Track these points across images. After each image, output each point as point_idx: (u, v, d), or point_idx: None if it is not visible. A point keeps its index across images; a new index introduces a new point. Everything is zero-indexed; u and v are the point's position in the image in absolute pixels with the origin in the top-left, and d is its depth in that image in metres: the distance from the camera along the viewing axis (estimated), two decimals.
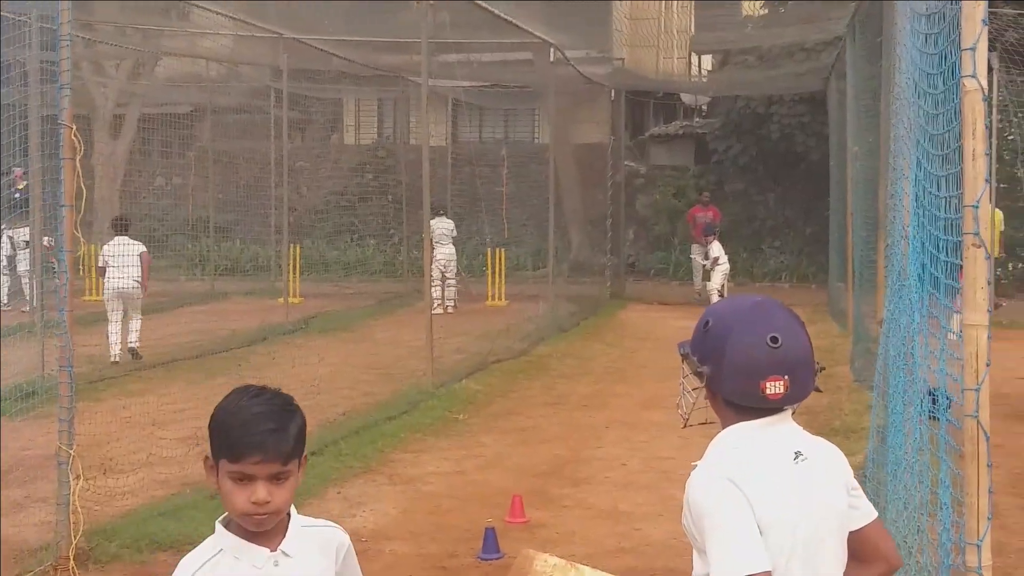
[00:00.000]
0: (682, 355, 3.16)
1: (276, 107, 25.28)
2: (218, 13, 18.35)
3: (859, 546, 3.05)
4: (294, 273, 21.81)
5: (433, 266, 18.88)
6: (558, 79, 21.08)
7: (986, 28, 3.36)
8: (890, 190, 9.92)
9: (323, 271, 28.10)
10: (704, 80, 33.11)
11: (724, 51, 30.81)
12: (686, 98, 33.93)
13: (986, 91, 3.34)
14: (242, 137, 29.45)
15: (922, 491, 6.43)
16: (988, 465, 3.46)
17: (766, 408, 2.95)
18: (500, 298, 22.49)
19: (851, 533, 3.03)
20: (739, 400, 2.95)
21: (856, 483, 3.06)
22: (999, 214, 22.09)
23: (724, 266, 22.46)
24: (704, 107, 34.06)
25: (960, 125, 3.46)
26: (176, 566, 2.91)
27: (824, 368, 3.10)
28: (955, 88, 3.61)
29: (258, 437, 2.79)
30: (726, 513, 2.83)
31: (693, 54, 35.48)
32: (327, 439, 10.63)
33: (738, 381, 2.93)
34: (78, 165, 7.50)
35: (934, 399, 6.99)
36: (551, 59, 20.10)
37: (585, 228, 27.74)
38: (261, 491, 2.81)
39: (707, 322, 3.06)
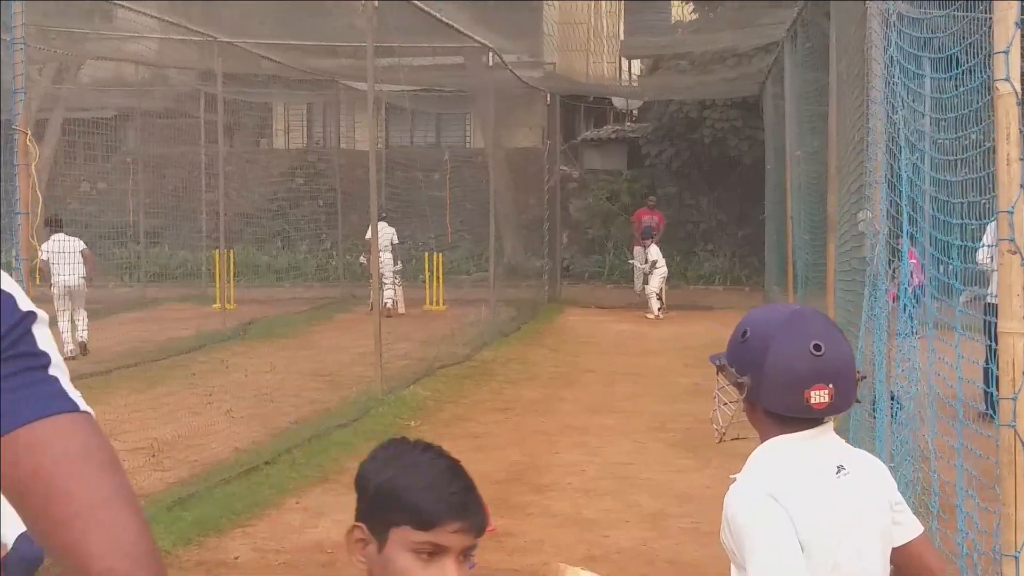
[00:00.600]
0: (718, 367, 3.05)
1: (207, 112, 24.99)
2: (147, 15, 18.05)
3: (906, 561, 2.99)
4: (229, 278, 21.50)
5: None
6: (495, 83, 20.99)
7: (1019, 31, 3.32)
8: (847, 195, 9.99)
9: (254, 277, 27.79)
10: (635, 85, 33.22)
11: (655, 56, 30.95)
12: (617, 102, 34.01)
13: (1020, 95, 3.30)
14: (169, 142, 29.03)
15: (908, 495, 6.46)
16: None
17: (808, 419, 2.87)
18: (439, 303, 22.37)
19: (897, 548, 2.97)
20: (782, 411, 2.87)
21: (900, 497, 3.00)
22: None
23: (662, 269, 22.52)
24: (635, 111, 34.17)
25: (993, 130, 3.42)
26: None
27: (865, 377, 3.03)
28: (977, 92, 3.58)
29: (459, 497, 2.22)
30: (767, 530, 2.76)
31: (623, 59, 35.55)
32: (280, 448, 10.46)
33: (781, 391, 2.85)
34: (33, 172, 7.30)
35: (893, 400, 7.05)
36: (489, 63, 20.01)
37: (519, 232, 27.69)
38: (452, 569, 2.12)
39: (745, 331, 2.97)
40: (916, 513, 3.11)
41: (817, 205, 14.10)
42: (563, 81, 27.93)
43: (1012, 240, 3.38)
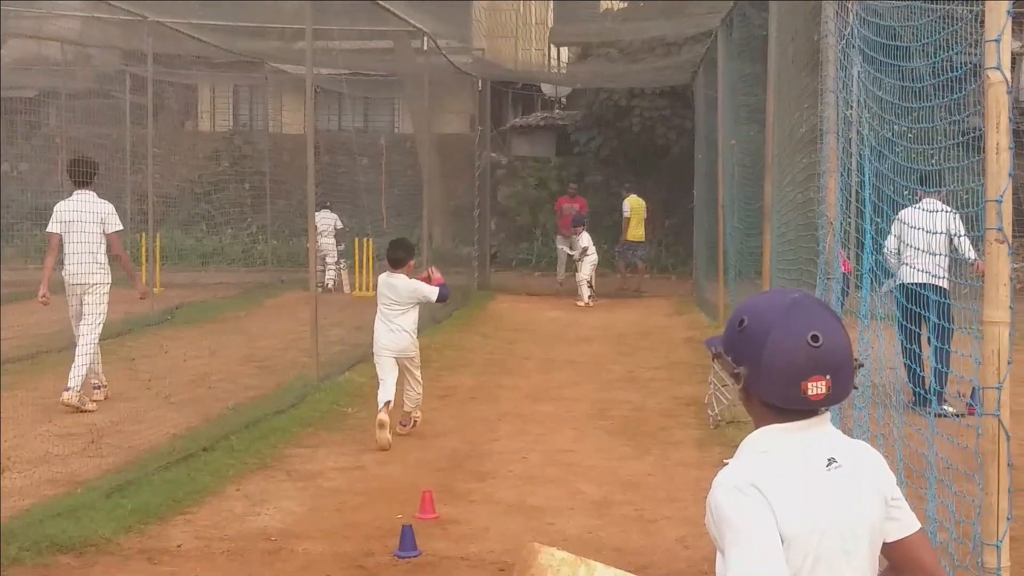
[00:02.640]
0: (714, 354, 3.00)
1: (132, 93, 24.61)
2: None
3: (900, 558, 2.98)
4: (156, 262, 21.18)
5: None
6: (426, 68, 20.88)
7: (1011, 19, 3.33)
8: (791, 184, 10.05)
9: (179, 260, 27.43)
10: (564, 72, 33.22)
11: (584, 44, 30.97)
12: (546, 89, 34.03)
13: (1010, 83, 3.31)
14: (92, 123, 28.55)
15: None
16: (1009, 465, 3.44)
17: (805, 410, 2.84)
18: (368, 288, 22.22)
19: (891, 544, 2.95)
20: (778, 402, 2.83)
21: (897, 493, 2.96)
22: (640, 201, 23.69)
23: (592, 256, 22.59)
24: (564, 99, 34.20)
25: (983, 118, 3.43)
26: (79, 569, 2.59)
27: (863, 365, 3.01)
28: (966, 80, 3.58)
29: None
30: (747, 520, 2.73)
31: (552, 46, 35.55)
32: (217, 434, 10.31)
33: (778, 382, 2.81)
34: None
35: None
36: (424, 47, 19.90)
37: (447, 219, 27.60)
38: None
39: (742, 320, 2.92)
40: None
41: (752, 195, 14.19)
42: (492, 67, 27.88)
43: (1000, 229, 3.39)
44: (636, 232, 24.72)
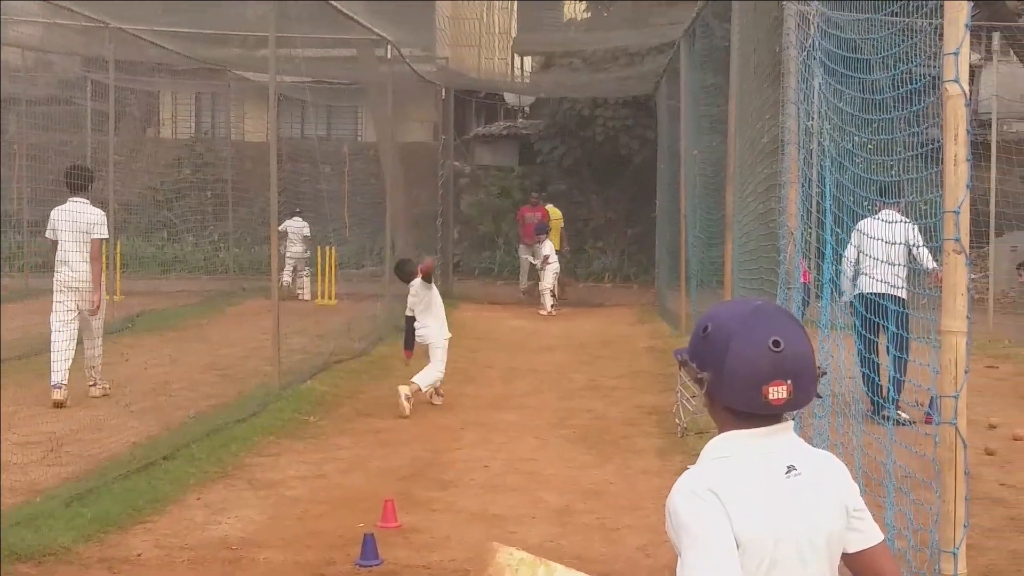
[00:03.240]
0: (680, 362, 3.03)
1: (94, 99, 24.44)
2: None
3: (861, 569, 3.00)
4: (117, 270, 21.04)
5: (287, 261, 22.82)
6: (390, 77, 20.87)
7: (968, 32, 3.37)
8: (753, 194, 10.12)
9: (139, 268, 27.26)
10: (527, 82, 33.31)
11: (547, 53, 31.06)
12: (509, 98, 34.09)
13: (968, 96, 3.35)
14: (52, 129, 28.33)
15: None
16: (965, 473, 3.47)
17: (767, 415, 2.87)
18: (330, 297, 22.19)
19: (853, 555, 2.97)
20: (740, 406, 2.86)
21: (860, 504, 2.98)
22: (558, 211, 24.13)
23: (554, 265, 22.64)
24: (527, 108, 34.27)
25: (942, 130, 3.47)
26: None
27: (825, 372, 3.10)
28: (926, 92, 3.62)
29: None
30: (703, 525, 2.77)
31: (516, 55, 35.62)
32: (178, 443, 10.25)
33: (740, 386, 2.84)
34: None
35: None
36: (387, 56, 19.89)
37: (410, 227, 27.57)
38: None
39: (706, 327, 2.95)
40: None
41: (714, 204, 14.27)
42: (455, 76, 27.91)
43: (958, 240, 3.43)
44: (554, 241, 25.07)
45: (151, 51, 22.06)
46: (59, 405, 11.89)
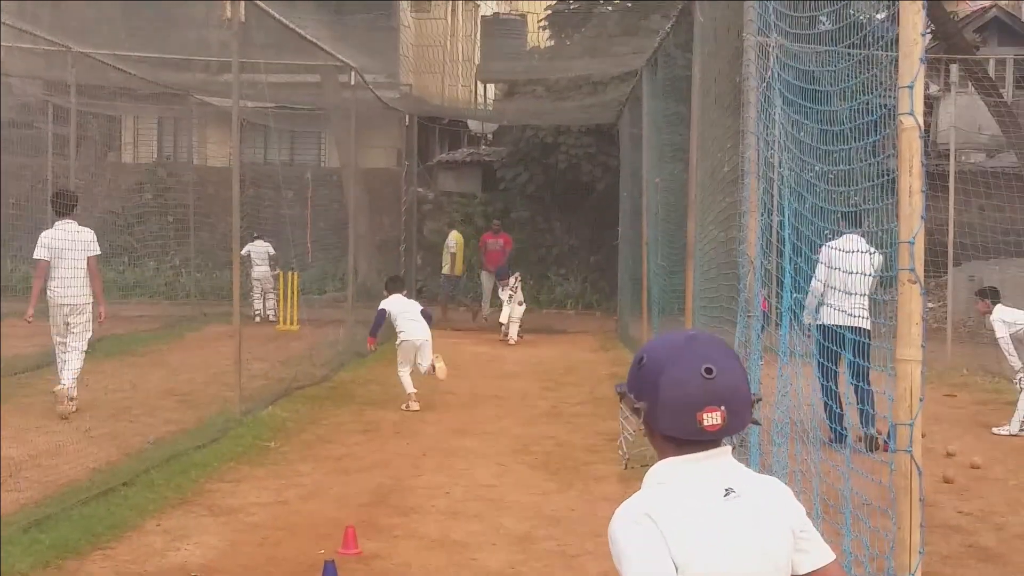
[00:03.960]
0: (619, 394, 3.09)
1: (55, 123, 24.33)
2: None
3: None
4: None
5: (253, 284, 23.57)
6: (353, 103, 20.90)
7: (924, 66, 3.43)
8: (714, 223, 10.19)
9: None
10: (490, 109, 33.44)
11: (511, 81, 31.21)
12: (473, 125, 34.20)
13: (922, 129, 3.41)
14: (12, 152, 28.13)
15: None
16: (920, 500, 3.52)
17: (704, 441, 2.92)
18: (292, 322, 22.13)
19: (809, 574, 3.00)
20: (677, 433, 2.91)
21: (807, 525, 3.01)
22: (459, 236, 24.57)
23: (519, 296, 22.66)
24: (490, 135, 34.39)
25: (897, 161, 3.52)
26: None
27: (760, 399, 3.12)
28: (884, 124, 3.68)
29: None
30: (638, 548, 2.82)
31: (479, 83, 35.77)
32: (137, 469, 10.19)
33: (675, 414, 2.90)
34: None
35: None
36: (351, 82, 19.92)
37: (373, 253, 27.59)
38: None
39: (641, 358, 3.02)
40: None
41: (676, 232, 14.35)
42: (419, 103, 28.01)
43: (912, 270, 3.48)
44: (458, 267, 25.36)
45: (113, 75, 22.00)
46: (64, 418, 12.59)
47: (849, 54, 4.73)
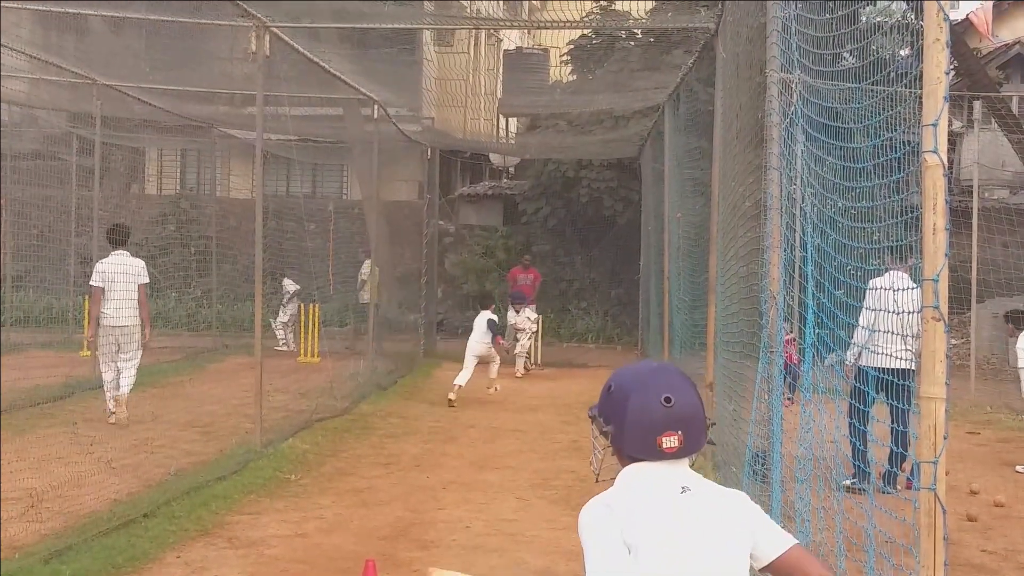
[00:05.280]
0: (590, 417, 3.52)
1: (79, 155, 24.51)
2: (25, 54, 17.67)
3: (787, 572, 3.34)
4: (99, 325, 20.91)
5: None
6: (375, 135, 20.99)
7: (947, 104, 3.43)
8: (735, 258, 10.17)
9: None
10: (512, 143, 33.52)
11: (533, 115, 31.31)
12: (494, 159, 34.27)
13: (946, 166, 3.41)
14: (37, 184, 28.34)
15: None
16: (944, 538, 3.49)
17: (664, 460, 3.33)
18: (313, 354, 22.16)
19: (773, 563, 3.33)
20: (639, 454, 3.33)
21: (765, 520, 3.37)
22: (375, 267, 24.81)
23: (529, 330, 22.63)
24: (512, 168, 34.45)
25: (921, 198, 3.52)
26: None
27: (715, 423, 3.56)
28: (907, 162, 3.67)
29: None
30: (596, 531, 3.24)
31: (501, 116, 35.88)
32: (158, 500, 10.19)
33: (637, 437, 3.31)
34: None
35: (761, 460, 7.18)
36: (374, 115, 20.02)
37: (394, 285, 27.63)
38: None
39: (610, 387, 3.45)
40: None
41: (697, 267, 14.33)
42: (441, 136, 28.08)
43: (937, 307, 3.47)
44: (373, 294, 25.56)
45: (138, 108, 22.17)
46: (121, 424, 14.05)
47: (872, 90, 4.73)
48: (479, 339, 18.56)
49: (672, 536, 3.20)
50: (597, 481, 3.57)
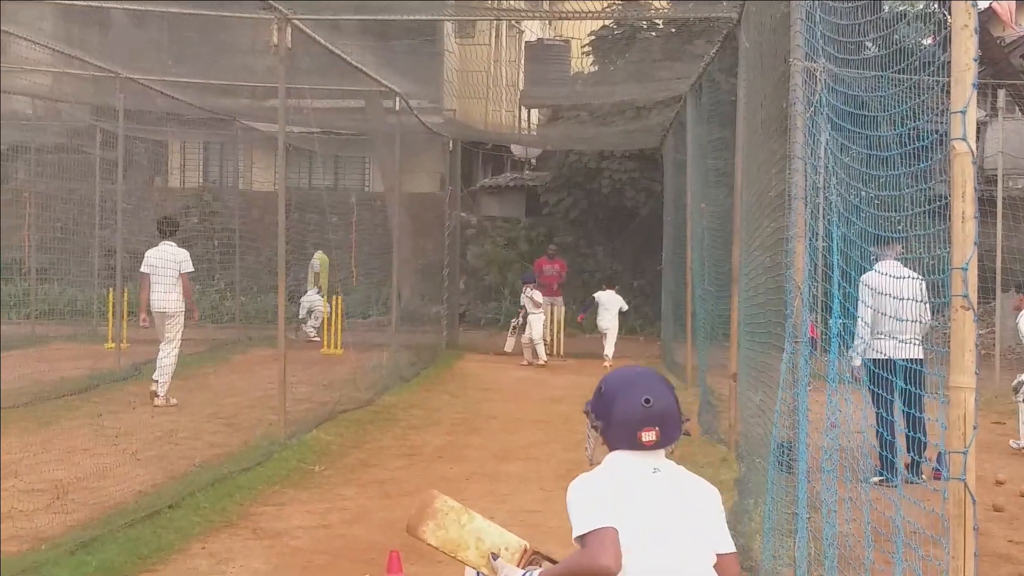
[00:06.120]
0: (585, 412, 4.20)
1: (103, 148, 24.59)
2: (46, 46, 17.73)
3: (721, 569, 3.94)
4: (123, 318, 21.03)
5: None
6: (398, 127, 21.00)
7: (975, 91, 3.41)
8: (760, 248, 10.14)
9: None
10: (534, 134, 33.46)
11: (554, 106, 31.22)
12: (516, 150, 34.22)
13: (975, 153, 3.38)
14: (61, 177, 28.42)
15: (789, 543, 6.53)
16: (974, 528, 3.47)
17: (643, 451, 3.99)
18: (336, 346, 22.21)
19: (720, 558, 3.94)
20: (623, 447, 4.01)
21: (723, 519, 4.05)
22: (324, 257, 24.80)
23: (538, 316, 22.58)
24: (534, 160, 34.40)
25: (950, 187, 3.50)
26: None
27: (689, 420, 4.17)
28: (933, 149, 3.65)
29: None
30: (584, 499, 3.91)
31: (523, 107, 35.80)
32: (183, 492, 10.23)
33: (621, 432, 4.00)
34: None
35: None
36: (396, 107, 20.01)
37: (416, 277, 27.66)
38: None
39: (601, 388, 4.15)
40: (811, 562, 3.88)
41: (720, 257, 14.28)
42: (463, 128, 28.06)
43: (966, 296, 3.45)
44: (324, 286, 25.90)
45: (160, 101, 22.23)
46: (153, 397, 15.12)
47: (898, 79, 4.71)
48: (614, 316, 21.74)
49: (649, 508, 3.85)
50: (591, 464, 4.13)
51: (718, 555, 3.93)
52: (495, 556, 4.47)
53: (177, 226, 16.46)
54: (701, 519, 3.95)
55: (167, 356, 15.30)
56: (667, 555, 3.84)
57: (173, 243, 15.83)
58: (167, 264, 15.47)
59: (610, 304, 22.95)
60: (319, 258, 26.27)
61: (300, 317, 24.94)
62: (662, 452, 4.01)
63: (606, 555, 3.74)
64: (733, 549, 4.00)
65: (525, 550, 4.54)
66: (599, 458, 4.08)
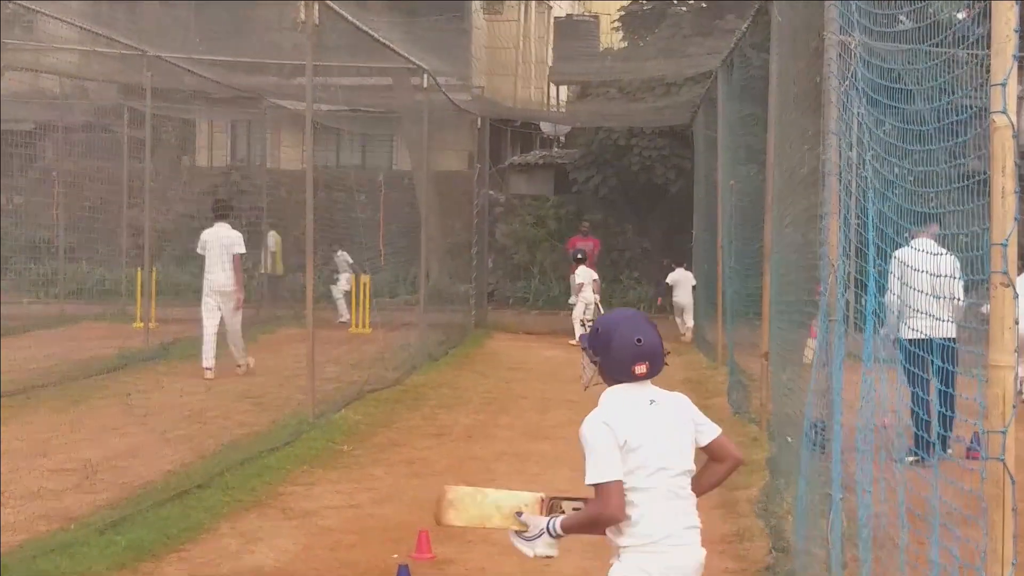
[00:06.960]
0: (582, 348, 4.78)
1: (130, 127, 24.63)
2: (73, 24, 17.73)
3: (714, 452, 4.68)
4: (152, 297, 21.06)
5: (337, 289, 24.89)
6: (425, 105, 20.90)
7: (1016, 63, 3.30)
8: (793, 225, 10.02)
9: (174, 296, 27.25)
10: (563, 111, 33.32)
11: (583, 83, 31.08)
12: (545, 127, 34.07)
13: (1015, 127, 3.29)
14: (89, 156, 28.48)
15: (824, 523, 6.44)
16: (1013, 509, 3.39)
17: (636, 382, 4.57)
18: (364, 325, 22.18)
19: (706, 446, 4.63)
20: (620, 378, 4.58)
21: (700, 416, 4.67)
22: (278, 236, 24.70)
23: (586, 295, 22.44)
24: (563, 137, 34.25)
25: (988, 162, 3.39)
26: None
27: (669, 352, 4.72)
28: (969, 124, 3.55)
29: None
30: (597, 442, 4.46)
31: (552, 84, 35.66)
32: (212, 471, 10.23)
33: (618, 366, 4.57)
34: None
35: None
36: (424, 85, 19.92)
37: (444, 256, 27.58)
38: None
39: (598, 329, 4.75)
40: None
41: (752, 235, 14.14)
42: (491, 105, 27.97)
43: (1005, 272, 3.36)
44: (278, 266, 26.39)
45: (188, 79, 22.21)
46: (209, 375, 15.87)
47: (934, 53, 4.60)
48: (688, 292, 22.78)
49: (649, 433, 4.45)
50: (585, 389, 4.76)
51: (710, 442, 4.63)
52: (519, 514, 4.82)
53: (230, 207, 17.22)
54: (687, 429, 4.59)
55: (235, 335, 16.37)
56: (662, 472, 4.49)
57: (227, 224, 16.45)
58: (221, 245, 16.07)
59: (684, 282, 23.36)
60: (273, 237, 26.30)
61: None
62: (649, 381, 4.58)
63: (614, 505, 4.42)
64: (719, 431, 4.68)
65: (542, 501, 4.89)
66: (593, 384, 4.67)
